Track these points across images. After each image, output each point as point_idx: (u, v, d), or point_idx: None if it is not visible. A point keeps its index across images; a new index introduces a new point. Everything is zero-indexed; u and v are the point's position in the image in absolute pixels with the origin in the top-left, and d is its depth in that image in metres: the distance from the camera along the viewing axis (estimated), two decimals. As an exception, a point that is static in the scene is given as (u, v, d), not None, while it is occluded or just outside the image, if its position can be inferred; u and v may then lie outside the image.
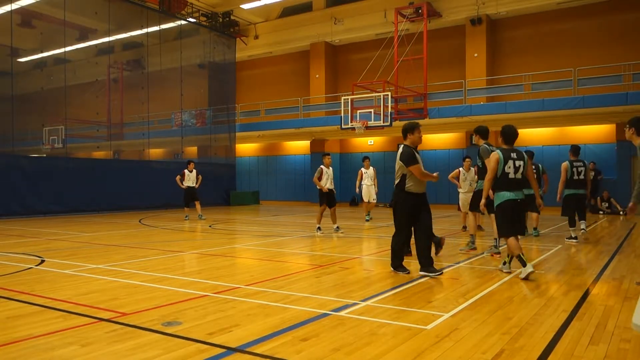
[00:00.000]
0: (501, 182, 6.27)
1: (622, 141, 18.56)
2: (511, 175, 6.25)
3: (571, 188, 9.79)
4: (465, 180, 11.73)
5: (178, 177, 15.53)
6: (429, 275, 6.29)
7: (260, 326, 4.21)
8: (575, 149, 9.94)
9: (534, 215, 10.88)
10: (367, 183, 14.58)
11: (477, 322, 4.31)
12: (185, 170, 15.48)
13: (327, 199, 11.48)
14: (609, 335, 3.99)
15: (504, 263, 6.66)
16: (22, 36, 18.63)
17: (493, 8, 20.28)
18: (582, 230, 10.08)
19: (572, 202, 9.79)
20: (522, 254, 6.15)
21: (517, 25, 20.90)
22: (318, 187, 11.51)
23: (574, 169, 9.73)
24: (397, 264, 6.59)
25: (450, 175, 12.07)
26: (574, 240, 9.72)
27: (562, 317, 4.49)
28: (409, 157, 6.38)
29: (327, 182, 11.44)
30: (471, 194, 11.88)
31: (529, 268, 6.06)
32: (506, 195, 6.25)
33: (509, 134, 6.41)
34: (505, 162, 6.22)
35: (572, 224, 9.90)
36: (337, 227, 11.64)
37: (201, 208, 16.01)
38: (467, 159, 11.99)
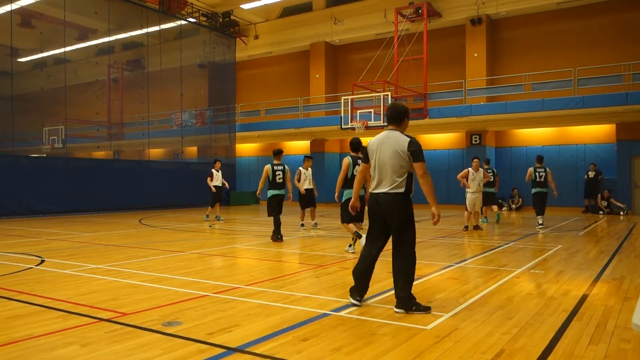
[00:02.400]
0: (349, 181, 8.02)
1: (622, 141, 18.56)
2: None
3: (536, 187, 12.79)
4: (474, 180, 11.96)
5: (209, 179, 15.03)
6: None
7: (260, 326, 4.21)
8: (539, 158, 12.98)
9: (494, 207, 14.35)
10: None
11: (477, 322, 4.31)
12: (213, 170, 15.21)
13: (306, 200, 12.64)
14: (609, 335, 3.99)
15: (350, 245, 8.46)
16: (22, 36, 18.62)
17: (493, 8, 20.27)
18: (541, 225, 12.70)
19: (536, 197, 12.87)
20: (358, 231, 8.02)
21: (517, 25, 20.89)
22: (298, 189, 12.61)
23: (537, 173, 12.66)
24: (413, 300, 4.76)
25: (459, 175, 12.36)
26: (540, 227, 12.78)
27: (562, 317, 4.49)
28: (421, 149, 4.75)
29: (304, 183, 12.57)
30: (480, 194, 12.20)
31: (363, 240, 7.49)
32: (351, 192, 7.22)
33: (355, 144, 8.40)
34: (354, 166, 8.18)
35: (538, 212, 12.99)
36: (315, 224, 12.94)
37: (201, 208, 15.97)
38: (475, 159, 12.32)
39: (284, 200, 10.39)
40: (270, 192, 10.11)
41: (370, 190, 4.91)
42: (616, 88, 17.14)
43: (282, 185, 10.14)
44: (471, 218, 12.38)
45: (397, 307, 4.66)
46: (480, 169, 12.46)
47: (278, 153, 10.40)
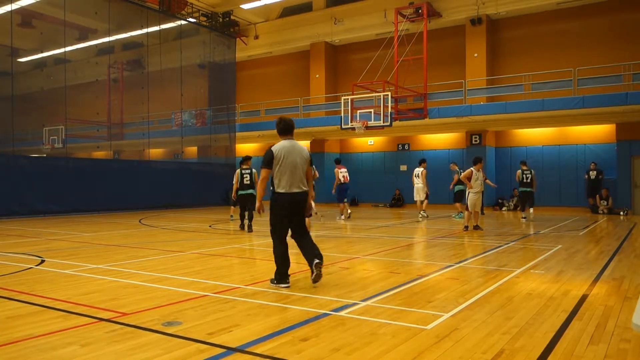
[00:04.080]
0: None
1: (622, 141, 18.56)
2: None
3: (522, 187, 14.83)
4: (477, 180, 12.01)
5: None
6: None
7: (260, 326, 4.21)
8: (524, 162, 15.18)
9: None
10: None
11: (477, 322, 4.31)
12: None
13: None
14: (609, 335, 3.99)
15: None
16: (22, 36, 18.61)
17: (493, 8, 20.26)
18: (525, 218, 14.80)
19: (523, 195, 14.95)
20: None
21: (517, 25, 20.88)
22: None
23: (524, 175, 14.70)
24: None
25: (462, 175, 12.43)
26: (524, 220, 14.80)
27: (562, 317, 4.49)
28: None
29: None
30: (481, 194, 12.27)
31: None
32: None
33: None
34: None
35: (522, 209, 15.23)
36: None
37: (201, 208, 15.98)
38: (481, 161, 12.62)
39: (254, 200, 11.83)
40: (239, 192, 12.12)
41: (283, 190, 5.71)
42: (616, 88, 17.14)
43: (249, 187, 12.00)
44: (471, 218, 12.39)
45: (317, 277, 5.67)
46: (481, 170, 12.54)
47: (246, 159, 12.30)
